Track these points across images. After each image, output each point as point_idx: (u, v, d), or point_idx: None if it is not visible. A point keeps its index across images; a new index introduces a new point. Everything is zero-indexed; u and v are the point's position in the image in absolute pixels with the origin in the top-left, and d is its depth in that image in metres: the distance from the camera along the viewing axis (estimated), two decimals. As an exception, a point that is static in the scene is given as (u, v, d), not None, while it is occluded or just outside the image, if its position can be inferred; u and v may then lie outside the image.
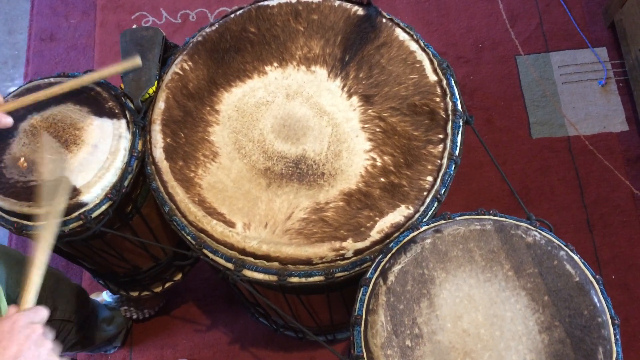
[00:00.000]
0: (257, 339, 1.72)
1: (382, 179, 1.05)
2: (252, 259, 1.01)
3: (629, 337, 1.67)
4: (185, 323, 1.75)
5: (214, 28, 1.20)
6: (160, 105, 1.13)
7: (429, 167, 1.05)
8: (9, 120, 1.05)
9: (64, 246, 1.19)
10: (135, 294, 1.52)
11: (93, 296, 1.72)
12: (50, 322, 1.29)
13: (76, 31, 2.19)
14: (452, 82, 1.12)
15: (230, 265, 1.02)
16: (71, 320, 1.35)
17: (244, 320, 1.74)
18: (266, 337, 1.71)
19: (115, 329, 1.65)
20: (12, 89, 1.18)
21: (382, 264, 0.94)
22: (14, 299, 1.12)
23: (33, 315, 0.83)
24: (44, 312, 0.84)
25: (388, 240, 1.00)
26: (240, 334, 1.73)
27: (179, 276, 1.53)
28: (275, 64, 1.18)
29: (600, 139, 1.90)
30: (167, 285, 1.52)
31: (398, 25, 1.18)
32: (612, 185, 1.84)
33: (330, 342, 1.55)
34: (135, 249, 1.29)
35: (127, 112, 1.12)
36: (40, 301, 1.24)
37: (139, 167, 1.11)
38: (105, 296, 1.73)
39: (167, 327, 1.75)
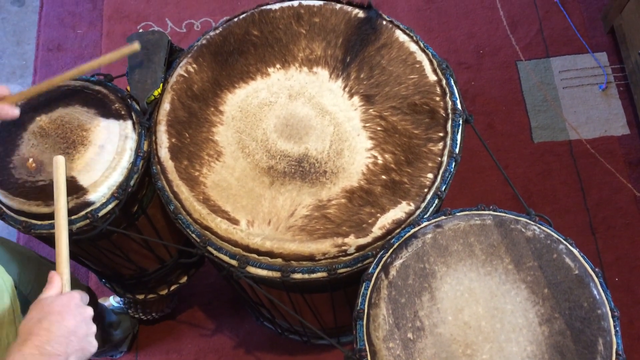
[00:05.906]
0: (262, 343, 1.73)
1: (384, 177, 1.07)
2: (255, 256, 1.02)
3: (633, 339, 1.66)
4: (191, 327, 1.76)
5: (217, 32, 1.23)
6: (166, 106, 1.15)
7: (430, 164, 1.07)
8: (16, 112, 1.03)
9: (71, 246, 1.20)
10: (141, 296, 1.53)
11: (101, 301, 1.73)
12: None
13: (83, 41, 2.23)
14: (452, 81, 1.14)
15: (234, 262, 1.03)
16: None
17: (249, 324, 1.75)
18: (271, 341, 1.72)
19: (121, 334, 1.66)
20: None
21: (384, 259, 0.95)
22: (26, 295, 1.14)
23: (84, 297, 0.87)
24: (87, 297, 0.89)
25: (390, 236, 1.01)
26: (245, 338, 1.74)
27: (184, 279, 1.55)
28: (278, 66, 1.20)
29: (602, 143, 1.92)
30: (172, 287, 1.53)
31: (398, 27, 1.20)
32: (614, 188, 1.85)
33: (334, 347, 1.55)
34: (141, 250, 1.30)
35: (133, 114, 1.14)
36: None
37: (145, 167, 1.13)
38: (112, 301, 1.74)
39: (172, 331, 1.76)
